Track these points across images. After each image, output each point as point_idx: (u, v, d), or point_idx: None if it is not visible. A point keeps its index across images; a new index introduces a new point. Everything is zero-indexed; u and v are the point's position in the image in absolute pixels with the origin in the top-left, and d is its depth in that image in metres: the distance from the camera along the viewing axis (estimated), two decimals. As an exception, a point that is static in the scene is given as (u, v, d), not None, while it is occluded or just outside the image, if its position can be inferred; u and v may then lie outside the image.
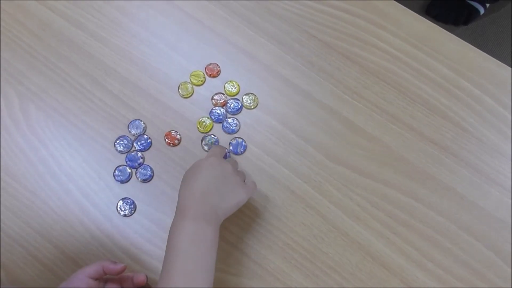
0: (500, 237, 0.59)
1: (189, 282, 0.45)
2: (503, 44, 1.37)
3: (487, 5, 1.37)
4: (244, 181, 0.56)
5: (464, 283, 0.57)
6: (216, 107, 0.66)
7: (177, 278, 0.45)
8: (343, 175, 0.62)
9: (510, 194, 0.61)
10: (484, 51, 0.69)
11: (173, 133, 0.64)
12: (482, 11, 1.37)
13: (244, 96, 0.66)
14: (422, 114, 0.65)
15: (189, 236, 0.47)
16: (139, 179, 0.62)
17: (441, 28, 0.70)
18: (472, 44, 0.69)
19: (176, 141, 0.63)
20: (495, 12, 1.40)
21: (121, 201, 0.61)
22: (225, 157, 0.61)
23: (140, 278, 0.53)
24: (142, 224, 0.60)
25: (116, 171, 0.62)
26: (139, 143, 0.63)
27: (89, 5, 0.71)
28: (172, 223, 0.49)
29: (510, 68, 0.68)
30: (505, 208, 0.61)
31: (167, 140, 0.63)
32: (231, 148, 0.63)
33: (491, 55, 0.69)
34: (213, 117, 0.65)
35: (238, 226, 0.59)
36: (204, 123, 0.65)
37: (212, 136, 0.64)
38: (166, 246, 0.48)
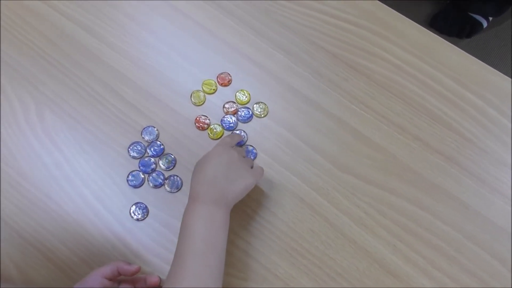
0: (503, 246, 0.61)
1: (201, 261, 0.48)
2: (505, 57, 1.39)
3: (490, 18, 1.39)
4: (252, 167, 0.59)
5: (469, 291, 0.58)
6: (227, 115, 0.67)
7: (190, 258, 0.48)
8: (350, 183, 0.64)
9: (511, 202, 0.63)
10: (486, 63, 0.71)
11: (202, 118, 0.67)
12: (485, 24, 1.39)
13: (255, 105, 0.68)
14: (427, 125, 0.67)
15: (201, 219, 0.50)
16: (151, 184, 0.63)
17: (445, 41, 0.72)
18: (475, 57, 0.71)
19: (206, 126, 0.66)
20: (497, 26, 1.43)
21: (134, 205, 0.62)
22: (240, 144, 0.65)
23: (153, 279, 0.55)
24: (154, 228, 0.61)
25: (130, 176, 0.64)
26: (152, 149, 0.65)
27: (104, 15, 0.73)
28: (185, 209, 0.52)
29: (511, 80, 0.70)
30: (508, 217, 0.62)
31: (197, 124, 0.66)
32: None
33: (493, 68, 0.71)
34: (224, 125, 0.67)
35: (248, 232, 0.61)
36: (214, 130, 0.67)
37: (170, 155, 0.65)
38: (180, 231, 0.51)
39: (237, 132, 0.66)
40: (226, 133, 0.67)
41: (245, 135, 0.66)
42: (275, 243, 0.60)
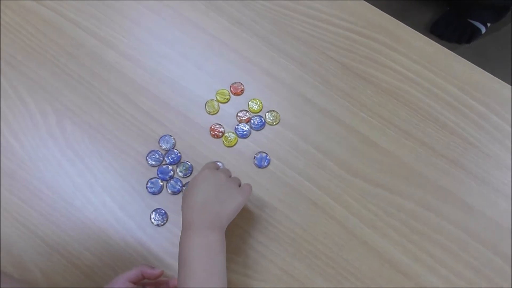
0: (506, 244, 0.64)
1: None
2: (504, 61, 1.43)
3: (488, 24, 1.43)
4: (240, 185, 0.59)
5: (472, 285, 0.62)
6: (241, 124, 0.70)
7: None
8: (360, 187, 0.67)
9: (516, 204, 0.66)
10: (485, 68, 0.74)
11: (216, 126, 0.70)
12: (483, 30, 1.43)
13: (267, 113, 0.71)
14: (433, 130, 0.70)
15: (198, 248, 0.51)
16: (169, 191, 0.66)
17: (448, 50, 0.76)
18: (473, 62, 0.75)
19: (220, 134, 0.69)
20: (496, 31, 1.47)
21: (153, 211, 0.65)
22: None
23: (176, 282, 0.57)
24: (174, 233, 0.64)
25: (149, 183, 0.66)
26: (169, 157, 0.68)
27: (121, 27, 0.76)
28: (180, 238, 0.53)
29: (511, 87, 0.73)
30: (509, 217, 0.65)
31: (211, 133, 0.69)
32: (255, 162, 0.68)
33: (492, 73, 0.74)
34: (237, 133, 0.70)
35: (265, 235, 0.64)
36: (229, 138, 0.69)
37: (187, 162, 0.67)
38: (179, 260, 0.51)
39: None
40: (240, 141, 0.70)
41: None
42: (290, 246, 0.63)
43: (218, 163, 0.67)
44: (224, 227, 0.54)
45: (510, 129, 0.70)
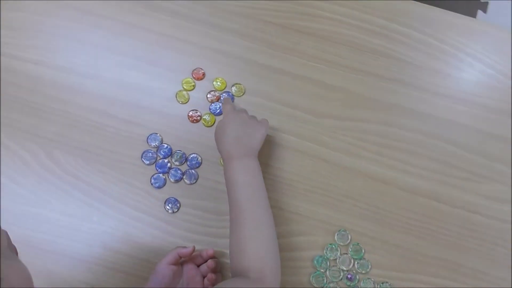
0: (453, 133, 0.78)
1: (253, 202, 0.61)
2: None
3: None
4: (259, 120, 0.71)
5: (440, 174, 0.76)
6: (213, 103, 0.78)
7: (244, 203, 0.61)
8: (329, 125, 0.78)
9: (452, 101, 0.80)
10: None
11: (192, 112, 0.77)
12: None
13: (232, 87, 0.79)
14: (372, 60, 0.82)
15: (241, 171, 0.63)
16: (172, 180, 0.74)
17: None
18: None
19: (198, 118, 0.77)
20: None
21: (165, 202, 0.72)
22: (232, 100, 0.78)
23: (209, 252, 0.67)
24: (190, 214, 0.72)
25: (152, 180, 0.73)
26: (161, 151, 0.75)
27: (68, 50, 0.79)
28: (224, 169, 0.64)
29: (432, 7, 0.86)
30: (452, 112, 0.79)
31: (190, 119, 0.77)
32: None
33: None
34: (212, 112, 0.78)
35: (268, 189, 0.73)
36: (207, 119, 0.77)
37: (179, 151, 0.75)
38: (226, 185, 0.63)
39: (225, 95, 0.78)
40: (217, 118, 0.78)
41: (232, 95, 0.78)
42: (290, 190, 0.74)
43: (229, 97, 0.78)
44: (256, 154, 0.66)
45: (433, 40, 0.83)
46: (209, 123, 0.77)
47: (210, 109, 0.78)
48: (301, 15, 0.83)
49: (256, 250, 0.59)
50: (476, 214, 0.74)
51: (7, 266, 0.38)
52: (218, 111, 0.78)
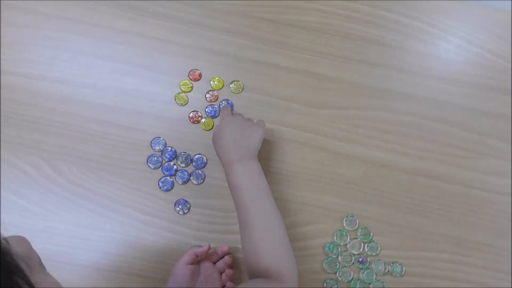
0: (448, 112, 0.81)
1: (260, 203, 0.62)
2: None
3: None
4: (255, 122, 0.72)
5: (438, 154, 0.78)
6: (208, 106, 0.79)
7: (250, 205, 0.62)
8: (327, 115, 0.80)
9: (443, 81, 0.82)
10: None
11: (193, 113, 0.78)
12: None
13: (230, 85, 0.80)
14: (363, 48, 0.83)
15: (243, 174, 0.64)
16: (180, 182, 0.75)
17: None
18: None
19: (199, 118, 0.78)
20: None
21: (175, 204, 0.73)
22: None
23: (224, 248, 0.68)
24: (201, 214, 0.73)
25: (160, 183, 0.74)
26: (166, 155, 0.76)
27: (62, 62, 0.79)
28: (225, 174, 0.65)
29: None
30: (444, 92, 0.82)
31: (191, 120, 0.78)
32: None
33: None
34: (209, 114, 0.78)
35: (270, 182, 0.75)
36: (206, 123, 0.78)
37: (183, 153, 0.76)
38: (230, 190, 0.64)
39: (224, 102, 0.79)
40: (215, 121, 0.78)
41: (231, 103, 0.79)
42: (294, 181, 0.76)
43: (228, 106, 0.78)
44: (255, 155, 0.67)
45: (420, 24, 0.85)
46: (208, 126, 0.78)
47: (206, 112, 0.79)
48: (290, 9, 0.85)
49: (272, 251, 0.60)
50: (475, 189, 0.77)
51: (41, 280, 0.39)
52: (213, 113, 0.78)
